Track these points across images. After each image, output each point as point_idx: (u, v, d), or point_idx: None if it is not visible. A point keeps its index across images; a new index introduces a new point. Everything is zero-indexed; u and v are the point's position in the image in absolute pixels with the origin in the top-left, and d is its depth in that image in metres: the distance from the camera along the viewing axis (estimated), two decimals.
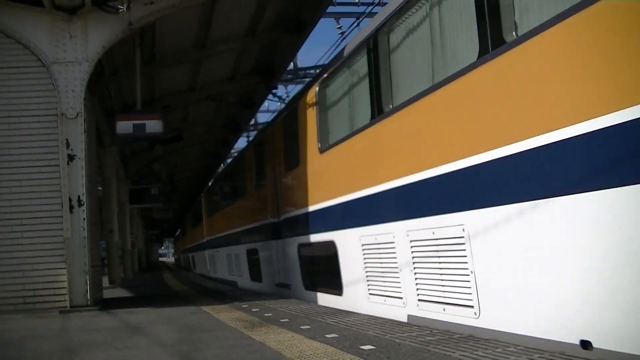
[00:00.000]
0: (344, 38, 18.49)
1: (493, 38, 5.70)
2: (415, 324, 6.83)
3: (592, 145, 4.53)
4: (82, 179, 10.19)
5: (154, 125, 12.20)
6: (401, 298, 7.63)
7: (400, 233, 7.56)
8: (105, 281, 17.31)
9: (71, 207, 10.09)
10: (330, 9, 18.43)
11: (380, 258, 8.24)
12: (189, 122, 22.50)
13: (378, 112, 8.27)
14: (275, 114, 20.66)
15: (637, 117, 4.13)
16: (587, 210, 4.60)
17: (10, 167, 10.10)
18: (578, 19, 4.64)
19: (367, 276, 8.76)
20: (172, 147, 23.67)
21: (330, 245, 10.09)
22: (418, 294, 7.21)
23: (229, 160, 31.95)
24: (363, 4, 20.19)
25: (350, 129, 9.32)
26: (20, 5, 10.25)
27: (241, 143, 32.99)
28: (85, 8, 10.38)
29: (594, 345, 4.56)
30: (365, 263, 8.78)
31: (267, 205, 14.46)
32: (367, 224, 8.62)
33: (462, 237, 6.19)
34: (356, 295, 9.19)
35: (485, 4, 5.81)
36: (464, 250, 6.17)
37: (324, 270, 10.72)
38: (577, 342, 4.71)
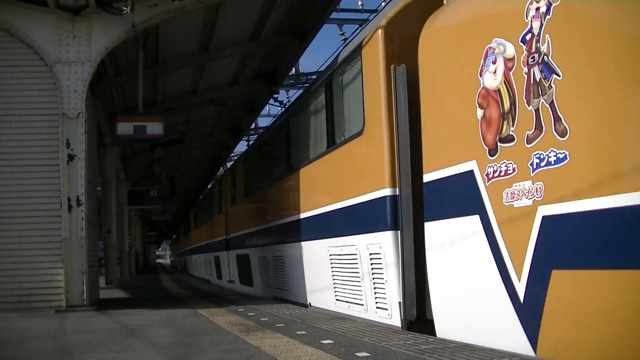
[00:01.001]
0: (347, 44, 18.54)
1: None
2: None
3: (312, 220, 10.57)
4: (81, 179, 10.20)
5: (154, 128, 12.24)
6: (270, 287, 14.35)
7: (265, 253, 14.47)
8: (102, 282, 17.30)
9: (70, 207, 10.10)
10: (334, 15, 18.45)
11: (259, 266, 15.34)
12: (190, 125, 22.50)
13: (248, 194, 17.00)
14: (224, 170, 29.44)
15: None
16: (309, 247, 10.79)
17: (10, 165, 10.11)
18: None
19: (260, 275, 15.42)
20: (173, 150, 23.70)
21: (247, 257, 16.76)
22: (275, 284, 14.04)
23: (229, 164, 32.05)
24: (366, 10, 20.27)
25: (246, 195, 17.28)
26: (24, 5, 10.26)
27: (241, 147, 33.21)
28: (89, 9, 10.40)
29: (311, 305, 10.72)
30: (259, 268, 15.45)
31: (222, 226, 20.92)
32: (254, 247, 15.58)
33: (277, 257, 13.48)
34: (258, 286, 15.82)
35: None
36: (284, 262, 12.82)
37: (247, 272, 16.95)
38: (307, 303, 10.90)
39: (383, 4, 16.24)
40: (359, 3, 20.09)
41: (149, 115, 13.53)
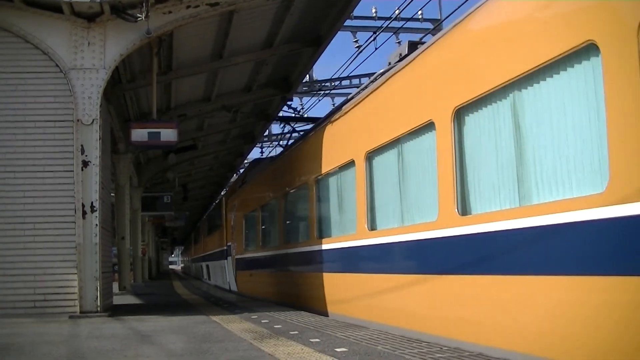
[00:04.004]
0: (360, 51, 18.57)
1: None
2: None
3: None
4: (95, 185, 10.22)
5: (169, 134, 12.23)
6: (212, 279, 31.40)
7: (209, 264, 32.33)
8: (115, 287, 17.32)
9: (84, 213, 10.13)
10: (348, 22, 18.47)
11: (210, 270, 32.04)
12: (204, 131, 22.55)
13: (207, 234, 34.25)
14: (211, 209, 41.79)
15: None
16: (216, 263, 29.04)
17: (25, 171, 10.16)
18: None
19: (211, 274, 31.32)
20: (186, 156, 23.75)
21: (208, 265, 33.19)
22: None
23: (241, 170, 32.15)
24: (380, 18, 20.28)
25: (207, 234, 33.92)
26: (40, 11, 10.33)
27: (255, 154, 33.23)
28: (104, 16, 10.45)
29: (217, 285, 28.20)
30: (210, 271, 31.66)
31: (202, 248, 37.47)
32: (208, 261, 32.74)
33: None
34: (212, 280, 30.80)
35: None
36: (214, 268, 30.54)
37: (208, 273, 33.32)
38: (218, 285, 29.25)
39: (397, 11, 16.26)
40: (373, 10, 20.12)
41: (164, 122, 13.56)
